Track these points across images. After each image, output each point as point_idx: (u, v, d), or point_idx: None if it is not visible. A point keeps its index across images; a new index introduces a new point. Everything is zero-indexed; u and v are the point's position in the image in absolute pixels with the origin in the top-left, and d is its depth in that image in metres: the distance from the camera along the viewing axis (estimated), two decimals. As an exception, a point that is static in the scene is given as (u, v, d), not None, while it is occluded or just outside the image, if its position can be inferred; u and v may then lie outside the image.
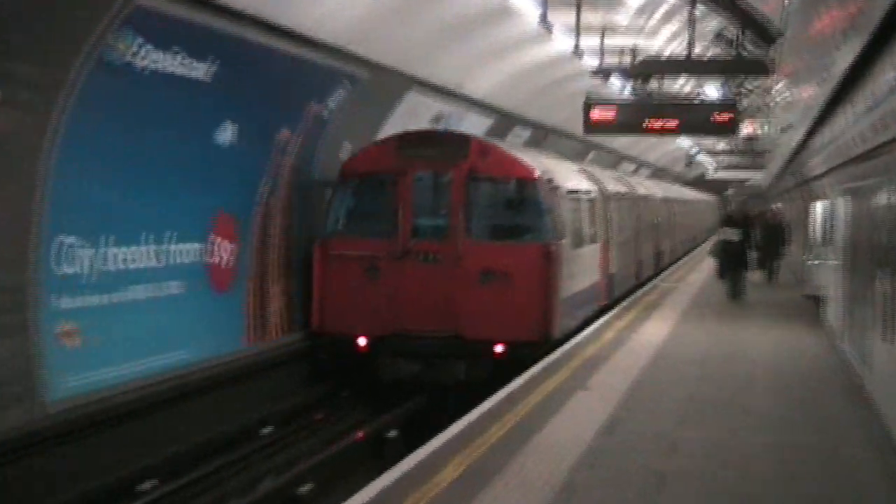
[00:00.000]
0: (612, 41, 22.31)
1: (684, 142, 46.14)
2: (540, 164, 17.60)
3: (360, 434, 14.09)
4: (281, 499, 11.62)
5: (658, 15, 24.28)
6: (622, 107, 20.15)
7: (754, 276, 27.08)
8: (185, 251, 13.57)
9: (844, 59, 10.17)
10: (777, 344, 17.43)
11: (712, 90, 29.12)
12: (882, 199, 10.95)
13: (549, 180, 17.13)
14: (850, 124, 12.61)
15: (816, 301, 21.80)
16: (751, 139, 44.91)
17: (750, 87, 31.13)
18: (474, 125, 22.72)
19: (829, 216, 19.55)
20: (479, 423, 10.77)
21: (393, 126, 18.84)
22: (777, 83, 25.50)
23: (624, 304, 22.83)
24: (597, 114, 19.80)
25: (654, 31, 24.44)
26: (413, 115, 19.47)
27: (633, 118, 19.94)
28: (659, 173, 56.26)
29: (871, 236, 12.04)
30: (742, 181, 66.84)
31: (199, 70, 12.59)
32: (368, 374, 16.12)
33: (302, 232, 16.79)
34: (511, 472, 8.93)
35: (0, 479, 10.23)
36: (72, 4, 10.20)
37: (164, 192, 12.93)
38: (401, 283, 15.87)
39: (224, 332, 14.77)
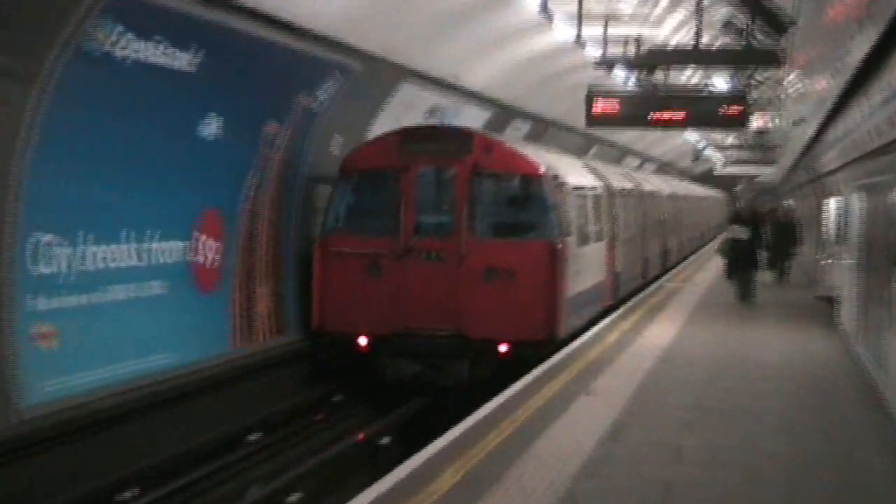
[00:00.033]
0: (616, 30, 22.21)
1: (691, 136, 46.03)
2: (545, 159, 17.74)
3: (352, 440, 14.08)
4: (268, 509, 11.61)
5: (664, 3, 24.22)
6: (626, 99, 20.11)
7: (764, 276, 27.07)
8: (168, 250, 13.55)
9: (860, 48, 10.14)
10: (788, 347, 17.41)
11: (721, 82, 29.02)
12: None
13: (555, 176, 17.29)
14: (865, 117, 12.57)
15: (829, 302, 21.78)
16: (761, 133, 44.74)
17: (760, 78, 31.08)
18: (471, 118, 22.71)
19: (844, 213, 19.54)
20: (477, 429, 10.75)
21: (386, 119, 18.83)
22: (789, 74, 25.45)
23: (629, 304, 22.83)
24: (599, 106, 19.77)
25: (660, 20, 24.36)
26: (407, 107, 19.46)
27: (638, 111, 19.90)
28: (665, 169, 56.28)
29: (887, 234, 12.02)
30: (752, 177, 66.75)
31: (183, 60, 12.56)
32: (369, 375, 16.27)
33: (291, 230, 16.78)
34: (510, 481, 8.90)
35: (-27, 489, 10.21)
36: (48, -10, 10.18)
37: (146, 187, 12.91)
38: (403, 282, 16.07)
39: (209, 334, 14.75)
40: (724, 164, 55.60)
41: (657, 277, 30.56)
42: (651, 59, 20.67)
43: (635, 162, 47.71)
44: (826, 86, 15.44)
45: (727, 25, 25.52)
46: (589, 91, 19.95)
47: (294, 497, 11.90)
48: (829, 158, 20.47)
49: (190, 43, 12.53)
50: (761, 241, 25.09)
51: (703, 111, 19.85)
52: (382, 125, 18.70)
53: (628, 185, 26.81)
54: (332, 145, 17.60)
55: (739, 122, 20.19)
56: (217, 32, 12.79)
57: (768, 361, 15.84)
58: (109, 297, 12.31)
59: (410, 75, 18.63)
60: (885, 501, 8.96)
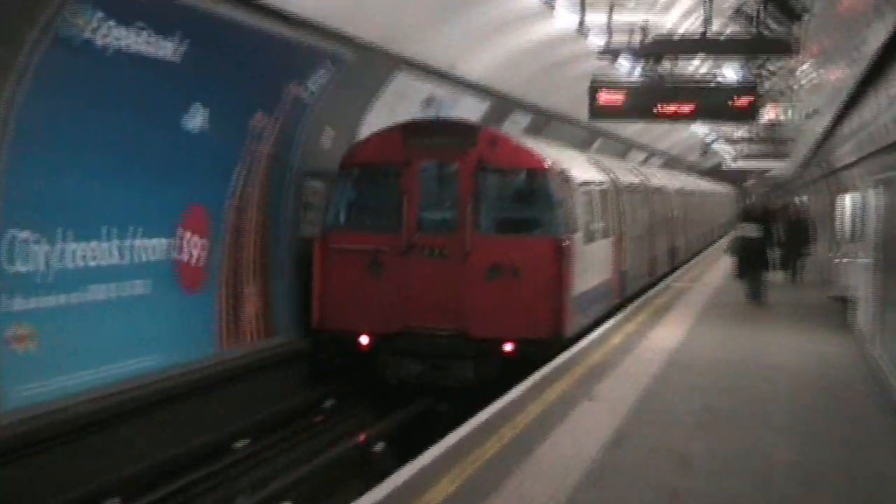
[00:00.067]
0: (621, 18, 22.21)
1: (699, 128, 46.09)
2: (551, 154, 17.90)
3: (344, 447, 14.07)
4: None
5: (671, -11, 24.23)
6: (631, 90, 20.10)
7: (776, 275, 27.07)
8: (151, 247, 13.54)
9: (877, 36, 10.13)
10: (801, 349, 17.41)
11: (730, 72, 29.06)
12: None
13: (561, 171, 17.45)
14: (883, 109, 12.58)
15: (844, 303, 21.79)
16: (772, 125, 44.83)
17: (772, 68, 31.14)
18: (469, 110, 22.70)
19: (859, 209, 19.54)
20: (475, 436, 10.74)
21: (379, 110, 18.82)
22: (802, 64, 25.49)
23: (634, 305, 22.83)
24: (603, 98, 19.77)
25: (667, 7, 24.36)
26: (402, 98, 19.45)
27: (644, 102, 19.90)
28: (672, 163, 56.29)
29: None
30: (763, 171, 66.86)
31: (167, 48, 12.54)
32: (370, 375, 16.43)
33: (280, 227, 16.77)
34: (509, 490, 8.89)
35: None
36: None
37: (128, 182, 12.89)
38: (405, 279, 16.26)
39: (194, 336, 14.74)
40: (734, 159, 55.65)
41: (665, 276, 30.63)
42: (658, 49, 20.65)
43: (641, 156, 47.72)
44: (841, 76, 15.44)
45: (738, 13, 25.55)
46: (592, 82, 19.94)
47: (283, 507, 11.90)
48: (845, 152, 20.47)
49: (174, 31, 12.52)
50: (773, 239, 25.09)
51: (712, 103, 19.85)
52: (376, 117, 18.70)
53: (635, 181, 26.89)
54: (324, 138, 17.59)
55: (750, 114, 20.18)
56: (203, 20, 12.78)
57: (780, 364, 15.84)
58: (90, 296, 12.30)
59: (405, 65, 18.62)
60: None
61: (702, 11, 20.72)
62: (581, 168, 20.03)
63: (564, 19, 20.35)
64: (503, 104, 24.80)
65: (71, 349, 12.01)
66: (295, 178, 17.06)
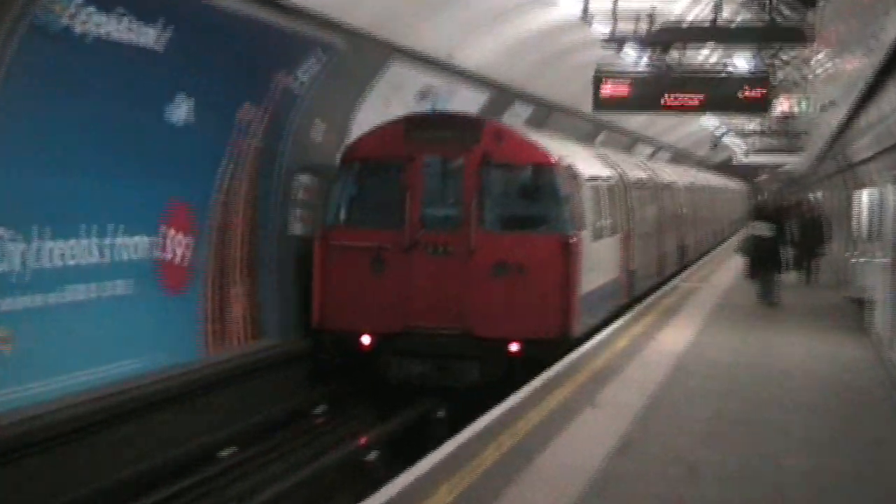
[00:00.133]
0: (627, 4, 22.20)
1: (709, 121, 46.08)
2: (558, 148, 18.10)
3: (336, 456, 14.08)
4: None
5: (679, -26, 24.25)
6: (637, 81, 20.16)
7: (789, 276, 27.09)
8: (133, 245, 13.53)
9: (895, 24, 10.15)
10: (815, 353, 17.43)
11: (742, 61, 29.04)
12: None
13: (568, 166, 17.68)
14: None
15: (861, 305, 21.81)
16: (786, 118, 44.81)
17: (785, 57, 31.12)
18: (467, 101, 22.69)
19: (877, 206, 19.56)
20: (474, 444, 10.75)
21: (373, 102, 18.82)
22: (817, 53, 25.49)
23: (640, 306, 22.85)
24: (608, 89, 19.83)
25: (675, -7, 24.39)
26: (397, 88, 19.45)
27: (650, 93, 19.97)
28: (680, 157, 56.29)
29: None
30: (775, 166, 66.92)
31: (149, 36, 12.54)
32: (372, 375, 16.65)
33: (268, 224, 16.76)
34: (509, 501, 8.89)
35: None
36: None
37: (109, 177, 12.88)
38: (408, 277, 16.50)
39: (178, 338, 14.73)
40: (745, 153, 55.71)
41: (674, 275, 30.73)
42: (665, 37, 20.69)
43: (647, 150, 47.73)
44: (858, 65, 15.46)
45: (749, -1, 25.52)
46: (596, 72, 19.99)
47: (271, 518, 11.91)
48: (862, 146, 20.50)
49: (157, 17, 12.52)
50: (786, 237, 25.11)
51: (722, 94, 19.91)
52: (369, 109, 18.69)
53: (643, 176, 27.02)
54: (314, 131, 17.59)
55: (762, 106, 20.26)
56: (187, 6, 12.78)
57: (793, 370, 15.86)
58: (68, 297, 12.29)
59: (399, 54, 18.62)
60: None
61: (712, -2, 20.73)
62: (588, 163, 20.19)
63: (567, 6, 20.36)
64: (503, 95, 24.80)
65: (48, 353, 12.00)
66: (284, 172, 17.06)
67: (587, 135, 33.44)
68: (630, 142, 42.78)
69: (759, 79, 20.46)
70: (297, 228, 17.52)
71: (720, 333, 19.30)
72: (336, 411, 16.64)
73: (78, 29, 11.34)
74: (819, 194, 46.28)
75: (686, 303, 23.98)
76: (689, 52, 24.33)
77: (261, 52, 15.19)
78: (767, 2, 22.22)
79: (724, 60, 28.14)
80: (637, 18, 22.36)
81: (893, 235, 16.06)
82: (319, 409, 16.62)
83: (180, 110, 13.96)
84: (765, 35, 21.53)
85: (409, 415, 16.07)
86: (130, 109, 13.01)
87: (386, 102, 19.09)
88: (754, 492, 9.48)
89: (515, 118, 26.21)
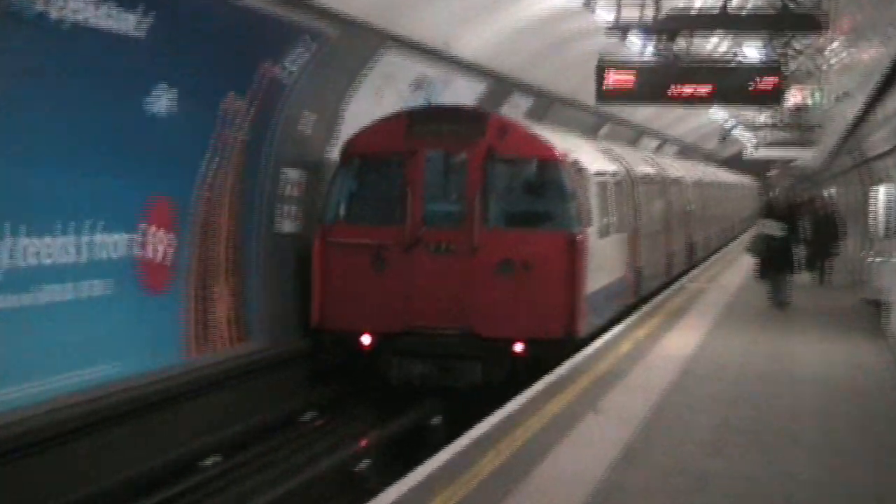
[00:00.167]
0: (632, -10, 22.24)
1: (718, 113, 46.13)
2: (564, 142, 18.31)
3: (325, 465, 14.06)
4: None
5: (687, -41, 24.24)
6: (643, 70, 20.12)
7: (802, 276, 27.09)
8: (112, 243, 13.48)
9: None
10: (829, 358, 17.43)
11: (752, 51, 29.04)
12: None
13: (574, 161, 17.91)
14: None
15: (878, 307, 21.80)
16: (799, 110, 44.89)
17: (798, 46, 31.11)
18: (463, 92, 22.69)
19: (895, 203, 19.56)
20: (470, 452, 10.74)
21: (365, 93, 18.80)
22: (832, 42, 25.50)
23: (645, 308, 22.86)
24: (612, 79, 19.79)
25: (683, -21, 24.38)
26: (390, 79, 19.45)
27: (656, 84, 19.93)
28: (687, 151, 56.32)
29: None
30: (787, 161, 66.91)
31: (129, 22, 12.50)
32: (372, 376, 16.87)
33: (255, 221, 16.74)
34: (506, 514, 8.89)
35: None
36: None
37: (86, 171, 12.83)
38: (410, 276, 16.76)
39: (159, 341, 14.70)
40: (756, 147, 55.70)
41: (682, 275, 30.82)
42: (672, 24, 20.65)
43: (653, 143, 47.75)
44: (875, 55, 15.44)
45: (760, -15, 25.51)
46: (600, 61, 19.94)
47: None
48: (879, 139, 20.50)
49: (137, 3, 12.48)
50: (798, 236, 25.08)
51: (732, 85, 19.87)
52: (361, 100, 18.68)
53: (651, 171, 27.12)
54: (303, 123, 17.58)
55: (774, 97, 20.22)
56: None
57: (806, 375, 15.85)
58: (42, 298, 12.23)
59: (393, 42, 18.59)
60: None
61: (721, -17, 20.68)
62: (594, 157, 20.40)
63: (570, -8, 20.34)
64: (502, 86, 24.79)
65: (21, 357, 11.96)
66: (272, 167, 17.04)
67: (590, 127, 33.43)
68: (635, 135, 42.79)
69: (770, 68, 20.42)
70: (285, 225, 17.50)
71: (729, 337, 19.30)
72: (326, 418, 16.63)
73: (54, 15, 11.29)
74: (833, 190, 46.32)
75: (694, 304, 23.99)
76: (698, 41, 24.29)
77: (246, 39, 15.15)
78: (780, -13, 22.19)
79: (733, 49, 28.14)
80: (642, 5, 22.33)
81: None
82: (308, 416, 16.60)
83: (162, 101, 13.92)
84: (776, 22, 21.50)
85: (403, 422, 16.07)
86: (110, 100, 12.97)
87: (379, 93, 19.08)
88: (765, 504, 9.48)
89: (514, 109, 26.20)
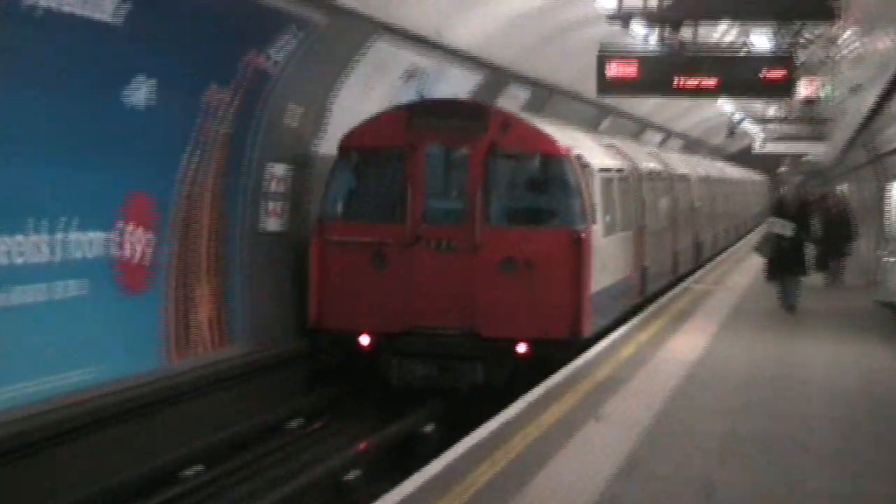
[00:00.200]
0: (635, -23, 22.24)
1: (725, 105, 46.12)
2: (568, 137, 18.54)
3: (312, 475, 14.04)
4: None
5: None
6: (646, 60, 20.09)
7: (814, 277, 27.07)
8: (87, 242, 13.47)
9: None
10: (841, 363, 17.43)
11: (761, 40, 29.03)
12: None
13: (579, 157, 18.08)
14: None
15: (893, 309, 21.80)
16: (810, 103, 44.85)
17: (809, 36, 31.11)
18: (457, 83, 22.69)
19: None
20: (465, 461, 10.73)
21: (355, 84, 18.80)
22: (844, 31, 25.49)
23: (649, 310, 22.86)
24: (614, 69, 19.77)
25: (688, -35, 24.37)
26: (380, 69, 19.45)
27: (660, 75, 19.91)
28: (692, 146, 56.36)
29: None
30: (798, 156, 67.00)
31: (106, 9, 12.47)
32: (372, 377, 17.06)
33: (238, 219, 16.74)
34: (502, 526, 8.88)
35: None
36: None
37: (60, 166, 12.81)
38: (410, 274, 16.98)
39: (137, 345, 14.69)
40: (765, 141, 55.72)
41: (689, 274, 30.93)
42: (677, 12, 20.64)
43: (657, 137, 47.77)
44: (890, 45, 15.44)
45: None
46: (601, 51, 19.93)
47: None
48: (893, 133, 20.50)
49: (115, -12, 12.47)
50: (809, 235, 25.03)
51: (740, 76, 19.86)
52: (350, 91, 18.66)
53: (657, 167, 27.19)
54: (288, 116, 17.57)
55: (784, 89, 20.20)
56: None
57: (817, 381, 15.85)
58: (14, 299, 12.22)
59: (384, 31, 18.58)
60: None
61: (728, -31, 20.69)
62: (599, 152, 20.55)
63: (569, -22, 20.33)
64: (498, 77, 24.79)
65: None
66: (256, 161, 17.03)
67: (591, 120, 33.45)
68: (638, 128, 42.81)
69: (780, 59, 20.39)
70: (269, 223, 17.51)
71: (736, 340, 19.30)
72: (313, 425, 16.62)
73: (26, 1, 11.26)
74: (845, 187, 46.35)
75: (700, 306, 24.00)
76: (704, 30, 24.29)
77: (230, 28, 15.13)
78: (790, -26, 22.19)
79: (742, 39, 28.12)
80: (646, -8, 22.35)
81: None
82: (295, 423, 16.59)
83: (140, 92, 13.90)
84: (787, 11, 21.47)
85: (396, 429, 16.05)
86: (85, 91, 12.94)
87: (369, 84, 19.06)
88: (775, 516, 9.48)
89: (511, 101, 26.19)
